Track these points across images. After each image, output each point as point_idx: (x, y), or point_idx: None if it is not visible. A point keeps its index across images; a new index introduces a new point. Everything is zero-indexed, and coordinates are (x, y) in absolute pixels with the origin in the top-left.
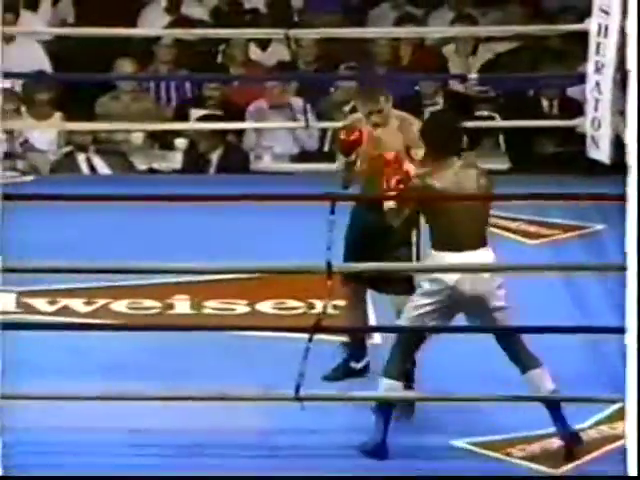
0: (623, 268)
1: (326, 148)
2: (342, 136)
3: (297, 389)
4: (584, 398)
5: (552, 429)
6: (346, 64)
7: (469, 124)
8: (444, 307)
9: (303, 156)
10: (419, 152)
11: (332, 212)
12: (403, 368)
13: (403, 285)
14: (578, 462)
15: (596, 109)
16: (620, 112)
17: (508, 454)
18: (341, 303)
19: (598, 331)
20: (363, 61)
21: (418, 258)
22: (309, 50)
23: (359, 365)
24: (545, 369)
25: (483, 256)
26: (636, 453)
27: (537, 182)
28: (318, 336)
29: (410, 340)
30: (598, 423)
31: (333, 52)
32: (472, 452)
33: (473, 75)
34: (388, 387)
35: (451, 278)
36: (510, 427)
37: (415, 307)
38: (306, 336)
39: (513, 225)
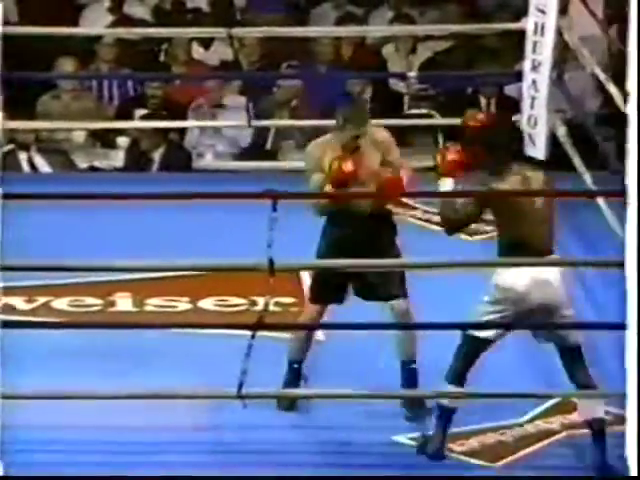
0: (621, 264)
1: (268, 146)
2: (336, 168)
3: (240, 387)
4: (526, 394)
5: (488, 424)
6: (288, 63)
7: (400, 122)
8: (511, 316)
9: (245, 154)
10: (396, 154)
11: (274, 210)
12: (463, 373)
13: (397, 289)
14: (515, 456)
15: (532, 107)
16: (556, 110)
17: (449, 449)
18: (284, 300)
19: (598, 327)
20: (305, 60)
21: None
22: (252, 49)
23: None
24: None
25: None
26: (636, 453)
27: None
28: (260, 333)
29: (471, 348)
30: (534, 418)
31: (275, 51)
32: (412, 447)
33: (412, 73)
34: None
35: (521, 285)
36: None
37: (482, 314)
38: (248, 333)
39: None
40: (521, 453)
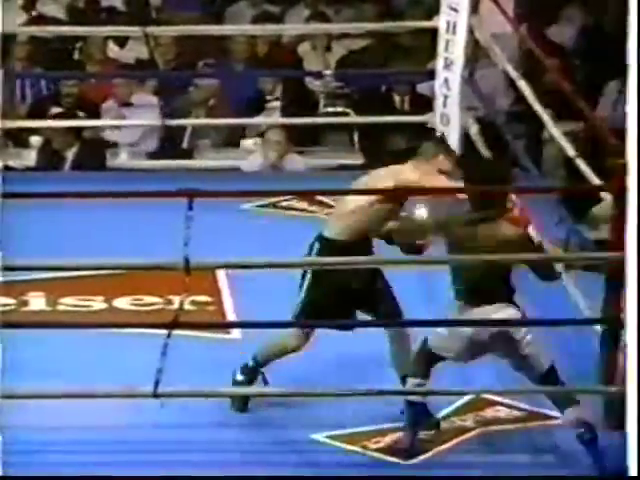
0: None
1: (185, 145)
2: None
3: (156, 385)
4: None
5: (403, 422)
6: (204, 61)
7: (314, 120)
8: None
9: (161, 153)
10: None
11: (190, 208)
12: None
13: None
14: (430, 454)
15: (445, 105)
16: (468, 108)
17: (364, 447)
18: (199, 299)
19: (583, 323)
20: (221, 59)
21: None
22: (167, 48)
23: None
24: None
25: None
26: (636, 453)
27: None
28: (176, 332)
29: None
30: (448, 415)
31: (191, 50)
32: (331, 445)
33: (328, 72)
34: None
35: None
36: (365, 420)
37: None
38: (164, 332)
39: None
40: (435, 450)
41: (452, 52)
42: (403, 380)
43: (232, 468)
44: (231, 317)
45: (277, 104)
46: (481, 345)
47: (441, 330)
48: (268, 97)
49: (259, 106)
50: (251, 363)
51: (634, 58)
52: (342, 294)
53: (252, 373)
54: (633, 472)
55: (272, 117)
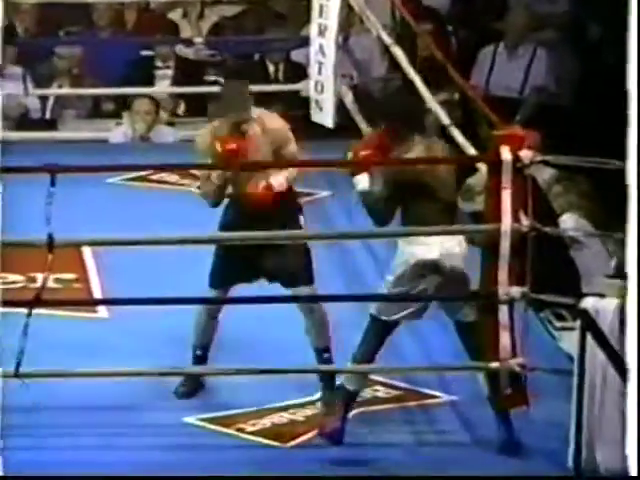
0: None
1: (47, 116)
2: (219, 148)
3: (17, 366)
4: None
5: (280, 404)
6: (67, 29)
7: (196, 90)
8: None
9: (23, 124)
10: (291, 148)
11: (52, 184)
12: (370, 356)
13: (303, 275)
14: (307, 436)
15: (320, 72)
16: (343, 75)
17: (239, 429)
18: (64, 276)
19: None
20: (85, 26)
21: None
22: (27, 15)
23: None
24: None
25: (455, 241)
26: (636, 453)
27: None
28: (39, 311)
29: (375, 330)
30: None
31: (53, 17)
32: (203, 428)
33: (199, 39)
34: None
35: (432, 257)
36: (242, 402)
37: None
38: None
39: None
40: (314, 432)
41: (326, 18)
42: (319, 352)
43: (97, 452)
44: (98, 295)
45: (169, 72)
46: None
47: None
48: (160, 65)
49: (146, 75)
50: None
51: (634, 58)
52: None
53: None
54: (633, 472)
55: (162, 86)
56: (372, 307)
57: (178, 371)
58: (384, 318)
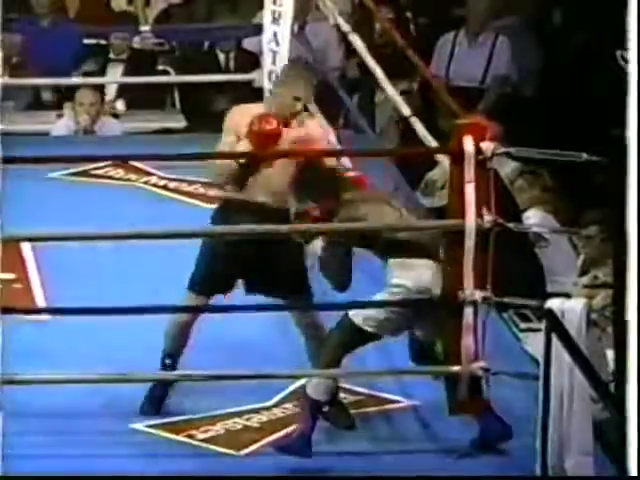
0: None
1: None
2: (255, 126)
3: None
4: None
5: (233, 409)
6: (4, 16)
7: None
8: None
9: None
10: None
11: None
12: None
13: (292, 284)
14: (262, 442)
15: (274, 62)
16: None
17: (190, 436)
18: (4, 276)
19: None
20: (24, 13)
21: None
22: None
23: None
24: None
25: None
26: (636, 453)
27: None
28: None
29: (352, 338)
30: (282, 401)
31: None
32: (152, 435)
33: (145, 27)
34: (316, 382)
35: (426, 279)
36: (193, 407)
37: (381, 315)
38: None
39: (191, 189)
40: (269, 439)
41: (280, 4)
42: None
43: (37, 461)
44: (39, 295)
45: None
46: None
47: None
48: (115, 55)
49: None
50: None
51: (634, 58)
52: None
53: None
54: (633, 472)
55: (115, 76)
56: (356, 317)
57: (130, 377)
58: (374, 331)
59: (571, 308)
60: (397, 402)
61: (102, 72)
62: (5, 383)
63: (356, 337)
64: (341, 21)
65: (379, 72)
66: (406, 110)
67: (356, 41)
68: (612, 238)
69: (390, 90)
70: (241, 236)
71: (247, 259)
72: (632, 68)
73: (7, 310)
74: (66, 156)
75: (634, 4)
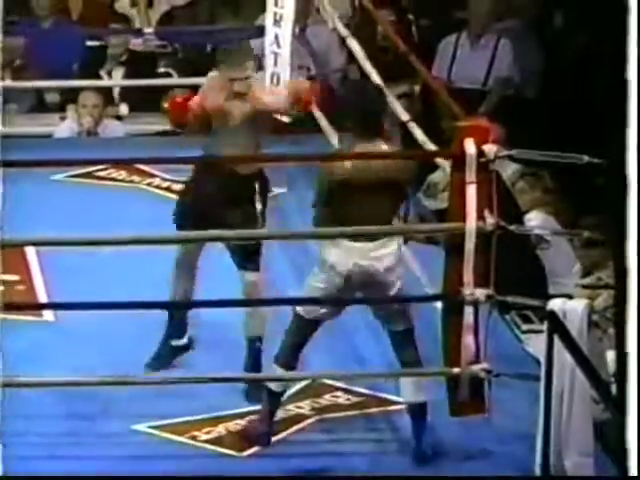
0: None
1: None
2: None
3: None
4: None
5: (235, 410)
6: (7, 19)
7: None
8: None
9: None
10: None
11: None
12: (293, 355)
13: (249, 259)
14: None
15: (275, 64)
16: (299, 67)
17: (193, 437)
18: (8, 278)
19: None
20: (25, 15)
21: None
22: None
23: (182, 341)
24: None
25: (387, 247)
26: (636, 453)
27: None
28: None
29: (298, 327)
30: (284, 402)
31: None
32: (154, 436)
33: (149, 29)
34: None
35: (342, 267)
36: (195, 409)
37: (310, 290)
38: None
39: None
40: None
41: (282, 7)
42: (251, 343)
43: (41, 462)
44: (42, 297)
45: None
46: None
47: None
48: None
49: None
50: None
51: (634, 58)
52: None
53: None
54: (633, 472)
55: (116, 79)
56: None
57: (130, 380)
58: (306, 316)
59: (573, 309)
60: (399, 403)
61: (108, 74)
62: (5, 386)
63: (299, 324)
64: (339, 25)
65: (376, 76)
66: (405, 116)
67: (354, 46)
68: (613, 240)
69: (389, 94)
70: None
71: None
72: (632, 68)
73: (6, 306)
74: (64, 160)
75: (634, 5)
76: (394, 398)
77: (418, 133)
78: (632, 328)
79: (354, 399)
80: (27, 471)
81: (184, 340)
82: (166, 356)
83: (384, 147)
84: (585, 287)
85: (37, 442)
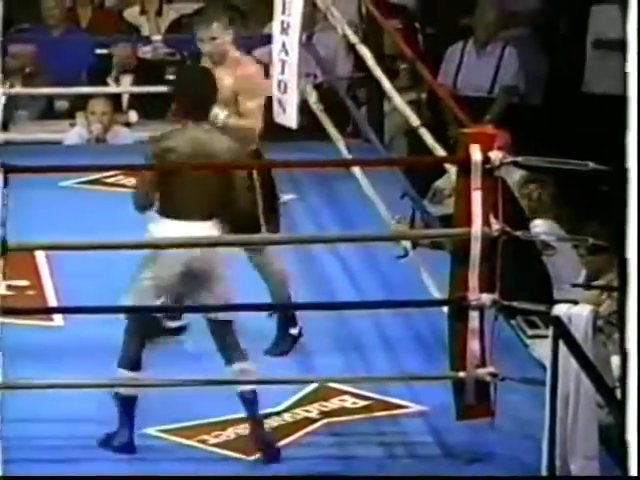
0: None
1: None
2: None
3: None
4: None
5: (244, 414)
6: (17, 27)
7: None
8: (165, 283)
9: None
10: (247, 103)
11: (5, 185)
12: (136, 356)
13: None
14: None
15: (283, 71)
16: (307, 75)
17: (203, 441)
18: (17, 283)
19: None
20: (36, 23)
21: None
22: None
23: (296, 330)
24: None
25: (208, 229)
26: (636, 453)
27: None
28: None
29: (134, 327)
30: (293, 406)
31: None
32: (163, 440)
33: (157, 37)
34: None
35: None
36: (204, 413)
37: (137, 280)
38: None
39: None
40: (279, 444)
41: (289, 15)
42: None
43: (52, 466)
44: (52, 302)
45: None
46: None
47: None
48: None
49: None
50: None
51: (634, 56)
52: None
53: None
54: (633, 472)
55: (124, 87)
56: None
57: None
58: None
59: (578, 315)
60: (406, 407)
61: (116, 81)
62: (6, 388)
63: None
64: (349, 32)
65: (387, 83)
66: (415, 121)
67: (364, 52)
68: (617, 246)
69: (398, 100)
70: None
71: None
72: (632, 68)
73: (7, 311)
74: (73, 166)
75: (634, 5)
76: (401, 402)
77: (428, 139)
78: (632, 328)
79: (361, 403)
80: (32, 473)
81: (297, 329)
82: (287, 345)
83: (213, 132)
84: (587, 288)
85: (46, 445)
